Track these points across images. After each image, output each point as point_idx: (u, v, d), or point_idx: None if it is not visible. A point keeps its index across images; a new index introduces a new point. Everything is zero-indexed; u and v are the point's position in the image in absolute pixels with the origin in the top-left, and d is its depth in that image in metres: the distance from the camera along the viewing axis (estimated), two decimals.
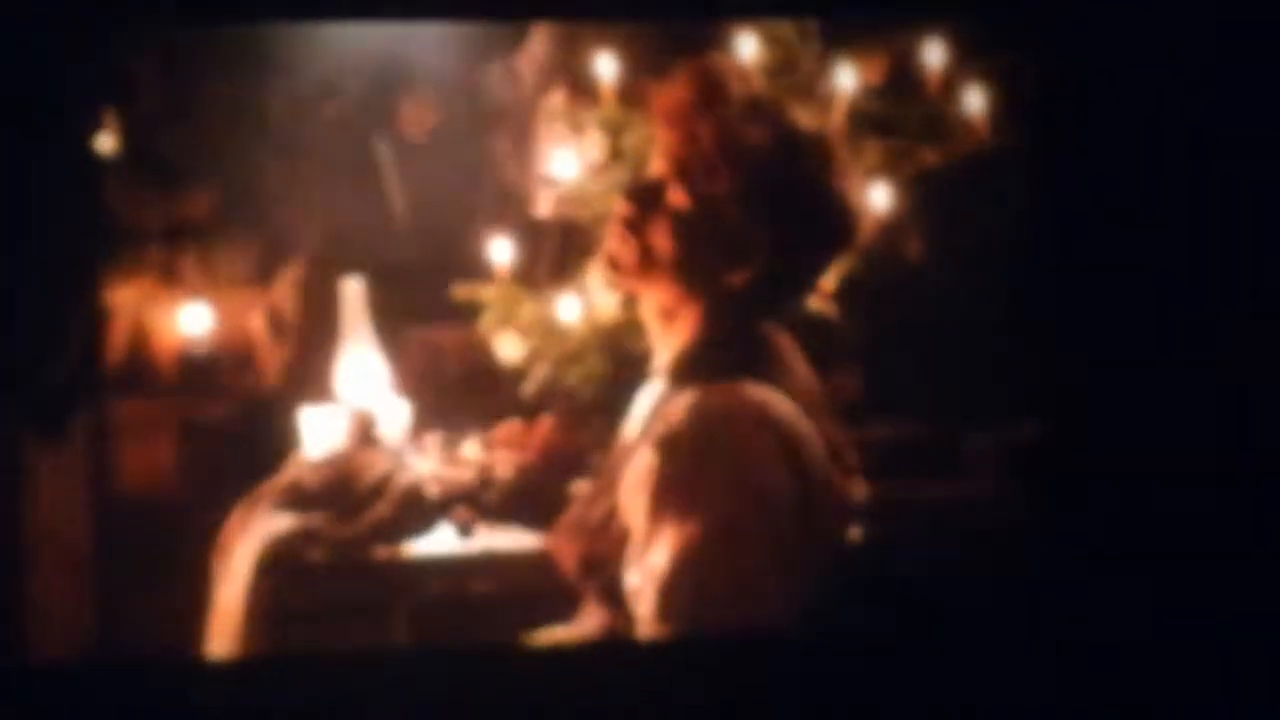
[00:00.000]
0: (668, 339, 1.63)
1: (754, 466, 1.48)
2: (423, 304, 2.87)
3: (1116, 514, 2.03)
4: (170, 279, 3.22)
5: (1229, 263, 2.06)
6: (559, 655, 1.66)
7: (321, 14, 2.53)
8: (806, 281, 1.71)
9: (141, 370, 3.17)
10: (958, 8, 2.41)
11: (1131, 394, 2.07)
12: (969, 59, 2.48)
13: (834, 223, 1.61)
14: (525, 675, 1.65)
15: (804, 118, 1.63)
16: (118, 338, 3.14)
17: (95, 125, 2.14)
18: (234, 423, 3.08)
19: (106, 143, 2.97)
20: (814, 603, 1.52)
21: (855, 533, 1.62)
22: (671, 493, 1.48)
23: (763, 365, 1.57)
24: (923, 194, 2.47)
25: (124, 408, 2.99)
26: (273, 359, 3.28)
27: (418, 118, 3.52)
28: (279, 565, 1.96)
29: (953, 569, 2.02)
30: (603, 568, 1.57)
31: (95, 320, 1.91)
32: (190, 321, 2.62)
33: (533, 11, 2.55)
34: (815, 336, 1.73)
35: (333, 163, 3.35)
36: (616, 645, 1.57)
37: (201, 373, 3.05)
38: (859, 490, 1.61)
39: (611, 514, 1.57)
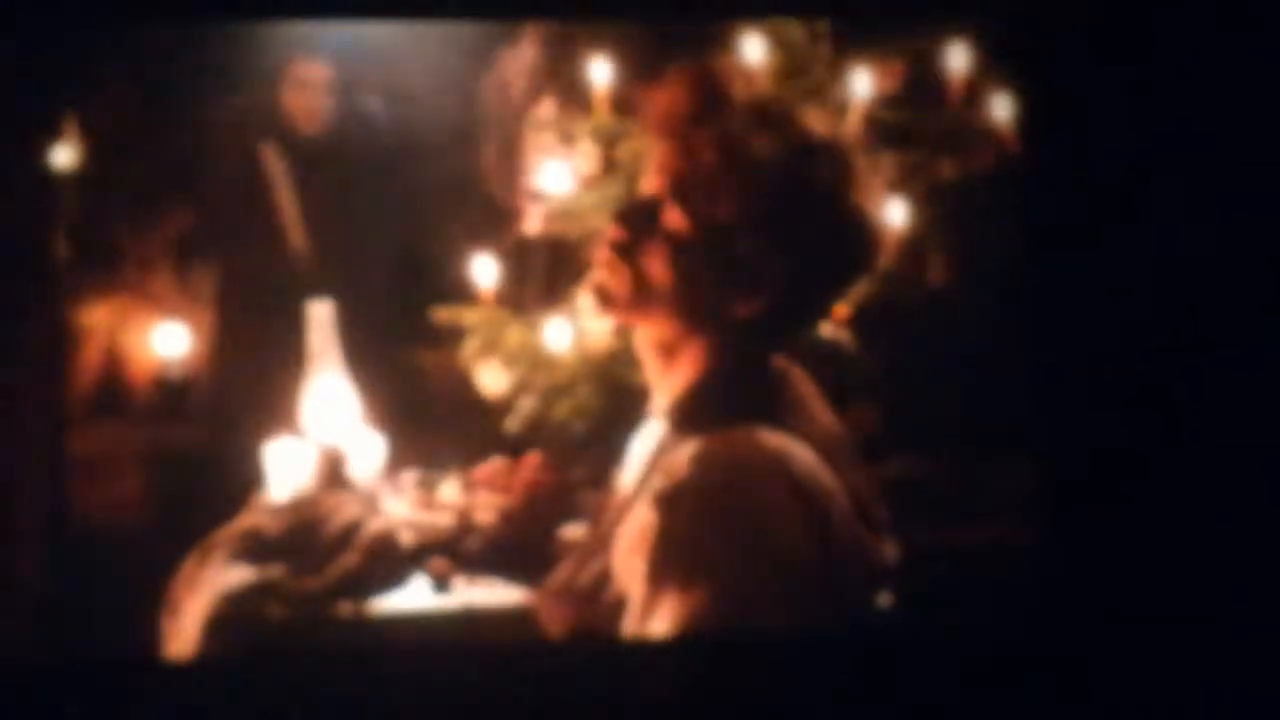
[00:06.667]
0: (667, 378, 1.50)
1: (769, 525, 1.34)
2: (401, 325, 2.72)
3: (1151, 559, 1.90)
4: (145, 298, 3.06)
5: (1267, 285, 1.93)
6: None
7: (304, 14, 2.39)
8: (821, 310, 1.60)
9: (113, 393, 3.02)
10: (975, 9, 2.29)
11: (1169, 428, 1.91)
12: (991, 65, 2.37)
13: (854, 245, 1.48)
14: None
15: (817, 124, 1.46)
16: (88, 360, 2.98)
17: (53, 133, 2.01)
18: (209, 451, 2.92)
19: (76, 156, 2.81)
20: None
21: (885, 598, 1.45)
22: (674, 556, 1.35)
23: (777, 407, 1.44)
24: (941, 210, 2.36)
25: (90, 433, 2.84)
26: None
27: (305, 105, 3.09)
28: (232, 624, 1.80)
29: (981, 627, 1.88)
30: (595, 638, 1.45)
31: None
32: (165, 342, 2.52)
33: (528, 11, 2.42)
34: (827, 367, 1.61)
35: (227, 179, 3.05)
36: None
37: (176, 397, 2.90)
38: (889, 550, 1.46)
39: (605, 577, 1.44)
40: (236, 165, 3.02)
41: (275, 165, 3.05)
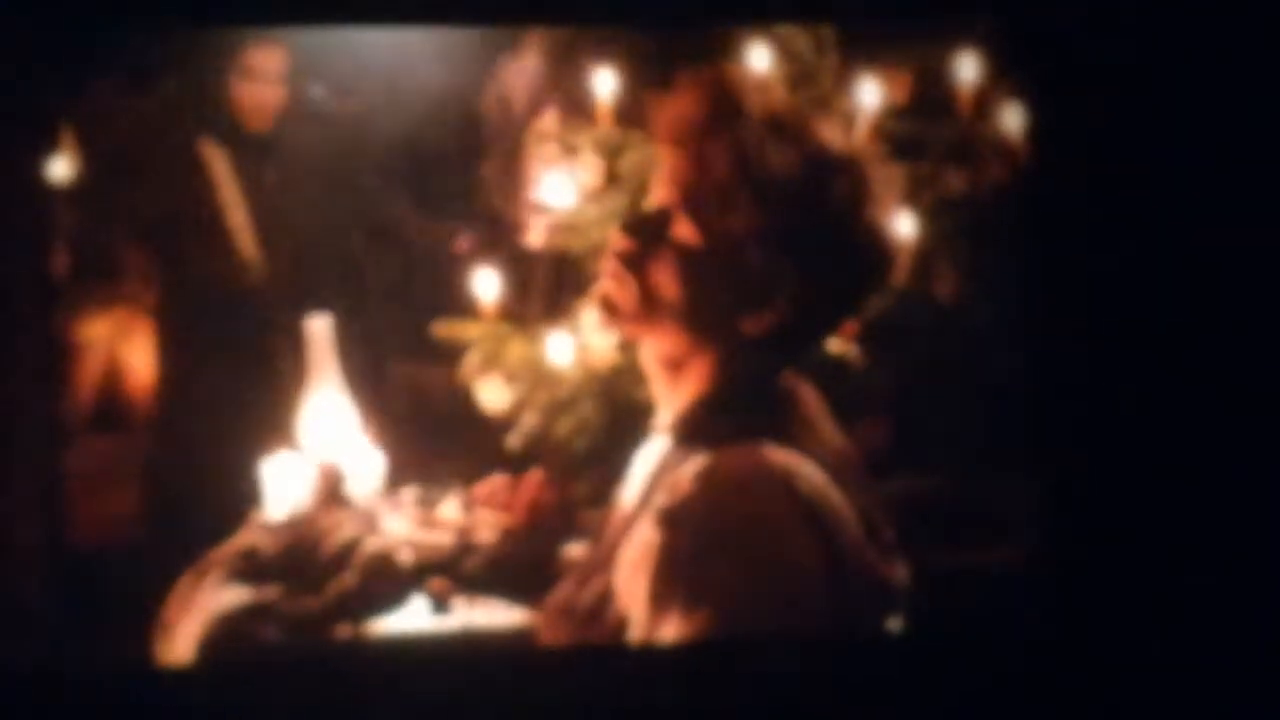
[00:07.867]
0: (673, 392, 1.46)
1: (775, 546, 1.31)
2: (404, 338, 2.69)
3: (1163, 578, 1.86)
4: (144, 312, 3.04)
5: None
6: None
7: (304, 19, 2.36)
8: (831, 326, 1.57)
9: (113, 407, 2.99)
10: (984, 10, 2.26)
11: (1181, 445, 1.88)
12: (1001, 75, 2.33)
13: (867, 263, 1.44)
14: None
15: (833, 136, 1.42)
16: (88, 373, 2.96)
17: (49, 142, 1.99)
18: (208, 467, 2.89)
19: (75, 169, 2.77)
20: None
21: (894, 622, 1.41)
22: (677, 576, 1.32)
23: (785, 424, 1.39)
24: (950, 223, 2.33)
25: (88, 447, 2.81)
26: None
27: (256, 99, 2.79)
28: (227, 646, 1.76)
29: (991, 647, 1.83)
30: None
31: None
32: None
33: (529, 16, 2.40)
34: (835, 383, 1.57)
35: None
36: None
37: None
38: (899, 573, 1.41)
39: (606, 598, 1.40)
40: (173, 164, 2.79)
41: (218, 163, 2.82)
